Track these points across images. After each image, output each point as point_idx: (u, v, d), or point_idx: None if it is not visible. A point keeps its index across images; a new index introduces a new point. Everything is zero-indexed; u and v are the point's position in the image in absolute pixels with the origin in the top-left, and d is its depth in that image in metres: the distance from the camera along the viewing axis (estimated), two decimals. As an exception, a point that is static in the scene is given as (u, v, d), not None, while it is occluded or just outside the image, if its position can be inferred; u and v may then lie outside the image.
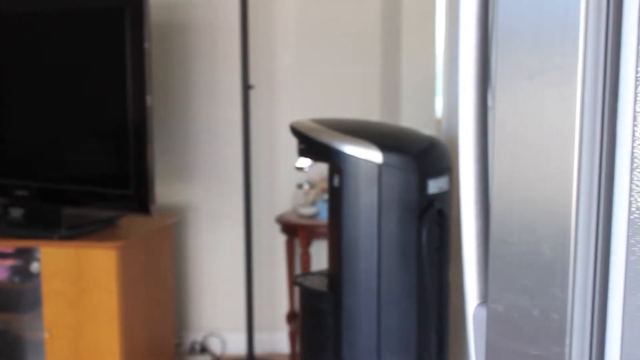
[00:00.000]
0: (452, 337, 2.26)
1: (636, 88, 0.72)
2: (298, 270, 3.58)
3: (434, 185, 2.13)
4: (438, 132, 3.01)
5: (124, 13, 2.89)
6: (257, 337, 3.67)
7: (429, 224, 2.10)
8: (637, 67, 0.72)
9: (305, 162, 2.21)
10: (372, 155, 2.05)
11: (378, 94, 3.74)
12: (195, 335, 3.86)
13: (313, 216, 3.50)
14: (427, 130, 2.69)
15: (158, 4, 3.42)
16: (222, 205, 3.78)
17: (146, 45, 2.88)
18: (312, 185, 3.58)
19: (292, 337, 3.60)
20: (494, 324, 0.81)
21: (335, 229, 2.14)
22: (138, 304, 3.10)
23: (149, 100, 2.90)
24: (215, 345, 3.85)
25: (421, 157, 2.15)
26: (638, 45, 0.71)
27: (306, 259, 3.44)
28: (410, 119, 3.39)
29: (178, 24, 3.68)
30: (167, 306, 3.49)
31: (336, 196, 2.12)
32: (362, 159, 2.06)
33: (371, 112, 3.63)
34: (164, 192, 3.56)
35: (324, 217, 3.36)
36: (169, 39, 3.66)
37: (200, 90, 3.73)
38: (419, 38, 3.45)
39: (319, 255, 3.54)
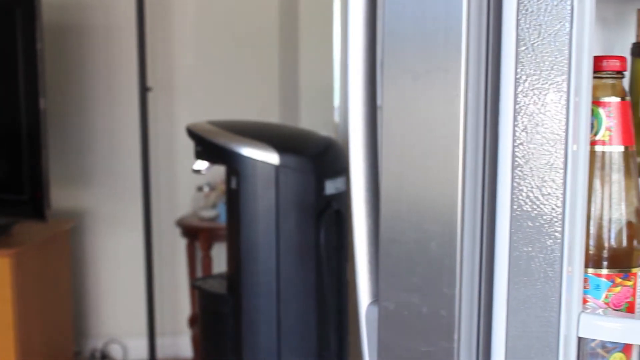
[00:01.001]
0: (352, 336, 2.28)
1: (516, 89, 0.74)
2: (200, 273, 3.55)
3: (331, 186, 2.15)
4: (337, 134, 3.04)
5: (15, 13, 2.81)
6: (159, 342, 3.62)
7: (327, 224, 2.11)
8: (516, 68, 0.74)
9: (202, 164, 2.20)
10: (269, 157, 2.06)
11: (277, 96, 3.75)
12: (95, 343, 3.78)
13: (214, 219, 3.48)
14: (326, 132, 2.71)
15: (51, 5, 3.34)
16: (120, 209, 3.72)
17: (39, 46, 2.81)
18: (212, 188, 3.56)
19: (195, 341, 3.57)
20: (385, 322, 0.82)
21: (234, 232, 2.13)
22: (34, 313, 3.02)
23: (42, 102, 2.83)
24: (116, 352, 3.78)
25: (318, 158, 2.16)
26: (517, 47, 0.74)
27: (207, 261, 3.42)
28: (309, 121, 3.41)
29: (73, 25, 3.60)
30: (65, 313, 3.41)
31: (234, 198, 2.11)
32: (259, 161, 2.05)
33: (271, 115, 3.64)
34: (60, 196, 3.48)
35: (225, 220, 3.34)
36: (63, 41, 3.58)
37: (97, 92, 3.67)
38: (317, 40, 3.48)
39: (221, 258, 3.52)
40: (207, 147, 2.15)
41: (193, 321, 3.56)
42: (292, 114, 3.59)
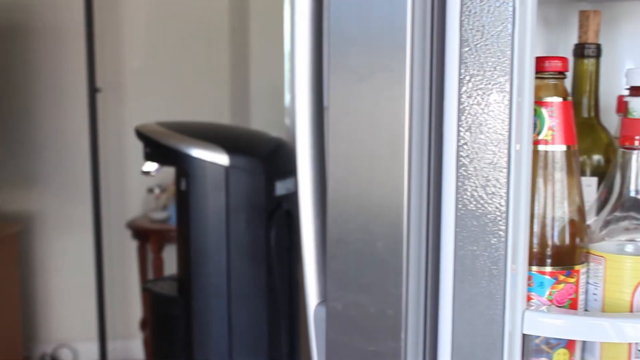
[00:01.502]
0: (303, 336, 2.28)
1: (460, 89, 0.75)
2: (151, 275, 3.52)
3: (282, 187, 2.15)
4: (287, 135, 3.04)
5: (-41, 13, 2.77)
6: (111, 345, 3.58)
7: (278, 225, 2.11)
8: (460, 69, 0.74)
9: (151, 166, 2.18)
10: (219, 157, 2.05)
11: (228, 97, 3.73)
12: (45, 347, 3.73)
13: (165, 220, 3.45)
14: (276, 132, 2.71)
15: (-3, 5, 3.29)
16: (70, 212, 3.67)
17: (-16, 47, 2.76)
18: (163, 189, 3.53)
19: (147, 344, 3.54)
20: (333, 322, 0.83)
21: (184, 233, 2.12)
22: (-19, 318, 2.97)
23: (-12, 104, 2.78)
24: (66, 357, 3.73)
25: (268, 159, 2.16)
26: (461, 48, 0.74)
27: (159, 264, 3.39)
28: (260, 122, 3.40)
29: (19, 25, 3.54)
30: (13, 318, 3.36)
31: (183, 200, 2.10)
32: (208, 162, 2.05)
33: (221, 116, 3.62)
34: (7, 199, 3.42)
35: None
36: (9, 41, 3.52)
37: (45, 93, 3.61)
38: (267, 41, 3.47)
39: (173, 260, 3.48)
40: (156, 148, 2.13)
41: (145, 324, 3.53)
42: (243, 115, 3.58)
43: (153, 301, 2.26)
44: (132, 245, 3.62)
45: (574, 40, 1.06)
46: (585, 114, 1.04)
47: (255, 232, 2.10)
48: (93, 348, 3.55)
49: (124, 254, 3.72)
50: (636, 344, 0.81)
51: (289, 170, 2.20)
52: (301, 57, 0.87)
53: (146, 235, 3.42)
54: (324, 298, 0.87)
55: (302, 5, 0.87)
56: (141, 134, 2.19)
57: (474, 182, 0.75)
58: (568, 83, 0.92)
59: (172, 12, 3.68)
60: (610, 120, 1.08)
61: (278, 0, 3.21)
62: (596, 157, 1.04)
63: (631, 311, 0.81)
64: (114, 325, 3.68)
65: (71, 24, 3.49)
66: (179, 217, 2.18)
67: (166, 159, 2.15)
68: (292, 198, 2.19)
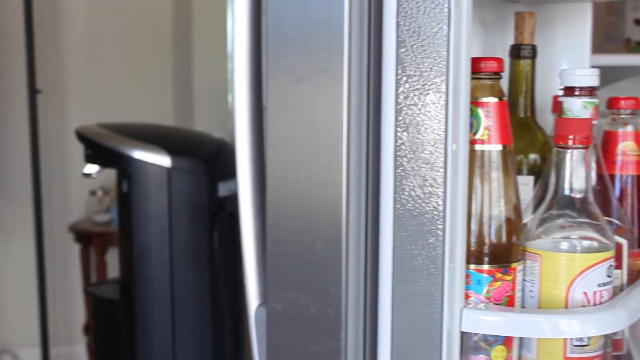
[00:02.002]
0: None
1: (397, 90, 0.75)
2: (95, 279, 3.48)
3: (224, 188, 2.14)
4: (231, 136, 3.03)
5: None
6: (54, 351, 3.53)
7: (221, 226, 2.10)
8: (397, 69, 0.75)
9: (92, 168, 2.16)
10: (160, 159, 2.04)
11: (171, 98, 3.71)
12: (-15, 354, 3.67)
13: (108, 223, 3.42)
14: (220, 134, 2.70)
15: None
16: (10, 215, 3.61)
17: None
18: (106, 192, 3.50)
19: (91, 348, 3.50)
20: (274, 323, 0.83)
21: (126, 236, 2.10)
22: None
23: None
24: (7, 363, 3.67)
25: (211, 160, 2.15)
26: (397, 49, 0.75)
27: (102, 267, 3.35)
28: (204, 123, 3.38)
29: (-44, 25, 3.48)
30: (-48, 324, 3.29)
31: (125, 202, 2.08)
32: (150, 164, 2.03)
33: (165, 117, 3.59)
34: (-55, 203, 3.35)
35: (119, 224, 3.28)
36: (-54, 41, 3.46)
37: (-17, 95, 3.55)
38: (211, 41, 3.45)
39: (117, 263, 3.45)
40: (96, 150, 2.11)
41: (88, 328, 3.49)
42: (187, 116, 3.56)
43: (96, 305, 2.24)
44: (75, 249, 3.58)
45: (510, 41, 1.07)
46: (521, 114, 1.06)
47: (198, 233, 2.09)
48: (35, 353, 3.50)
49: (67, 258, 3.68)
50: (571, 339, 0.83)
51: (232, 171, 2.19)
52: (240, 58, 0.87)
53: (89, 238, 3.38)
54: (265, 299, 0.87)
55: (240, 6, 0.87)
56: (82, 136, 2.17)
57: (412, 182, 0.75)
58: (505, 83, 0.94)
59: (114, 12, 3.64)
60: (547, 120, 1.10)
61: (221, 0, 3.20)
62: (532, 156, 1.05)
63: (566, 307, 0.82)
64: (56, 330, 3.63)
65: (10, 23, 3.43)
66: (120, 219, 2.16)
67: (107, 160, 2.13)
68: (235, 199, 2.18)
